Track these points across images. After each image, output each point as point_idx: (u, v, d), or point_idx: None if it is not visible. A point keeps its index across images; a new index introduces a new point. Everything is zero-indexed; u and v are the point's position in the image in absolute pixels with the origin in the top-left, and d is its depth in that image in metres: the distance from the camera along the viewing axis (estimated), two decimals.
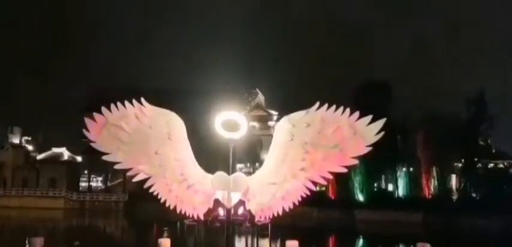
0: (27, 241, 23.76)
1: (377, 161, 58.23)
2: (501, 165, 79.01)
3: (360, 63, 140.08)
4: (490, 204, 60.31)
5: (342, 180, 62.30)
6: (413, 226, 54.35)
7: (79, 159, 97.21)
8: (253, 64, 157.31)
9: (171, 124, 9.88)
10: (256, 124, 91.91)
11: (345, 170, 9.62)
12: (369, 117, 9.20)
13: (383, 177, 75.21)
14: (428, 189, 69.23)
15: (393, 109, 69.34)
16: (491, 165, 77.81)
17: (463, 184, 71.47)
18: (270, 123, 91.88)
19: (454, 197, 69.31)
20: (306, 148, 9.70)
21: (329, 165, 9.72)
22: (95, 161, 76.99)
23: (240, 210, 10.66)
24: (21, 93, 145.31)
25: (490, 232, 52.85)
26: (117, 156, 9.96)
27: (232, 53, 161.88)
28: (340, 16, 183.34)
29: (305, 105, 9.50)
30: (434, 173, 69.30)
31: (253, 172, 16.58)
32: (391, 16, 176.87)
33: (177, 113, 9.92)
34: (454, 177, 73.65)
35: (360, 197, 69.97)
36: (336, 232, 53.87)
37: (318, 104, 9.24)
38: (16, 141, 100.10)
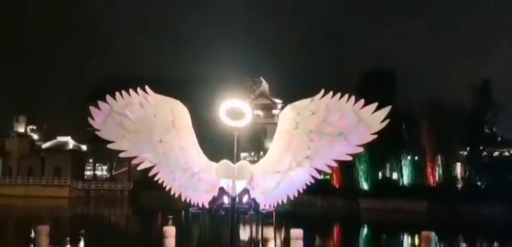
0: (32, 230, 23.92)
1: (381, 149, 58.13)
2: (506, 153, 78.79)
3: (365, 51, 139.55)
4: (495, 192, 60.14)
5: (346, 168, 62.26)
6: (418, 215, 54.34)
7: (84, 147, 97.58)
8: (257, 52, 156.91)
9: (175, 113, 9.88)
10: (260, 112, 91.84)
11: (349, 158, 9.60)
12: (374, 105, 9.16)
13: (387, 165, 75.14)
14: (433, 177, 69.11)
15: (398, 97, 69.22)
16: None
17: (468, 173, 71.25)
18: (274, 112, 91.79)
19: (459, 185, 69.13)
20: (310, 137, 9.68)
21: (334, 153, 9.71)
22: (100, 150, 77.21)
23: (245, 199, 10.70)
24: (26, 82, 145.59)
25: (495, 221, 52.81)
26: (122, 144, 9.99)
27: (236, 41, 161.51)
28: (344, 4, 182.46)
29: (309, 93, 9.47)
30: (439, 161, 69.11)
31: (258, 160, 16.59)
32: (397, 3, 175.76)
33: (181, 100, 9.91)
34: (458, 166, 73.40)
35: (364, 185, 69.94)
36: (340, 221, 53.92)
37: (322, 91, 9.20)
38: (21, 130, 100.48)
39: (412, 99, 73.24)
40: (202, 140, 10.79)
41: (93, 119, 9.83)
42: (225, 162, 10.46)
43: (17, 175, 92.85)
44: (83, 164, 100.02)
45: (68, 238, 33.25)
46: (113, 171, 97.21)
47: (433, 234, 15.72)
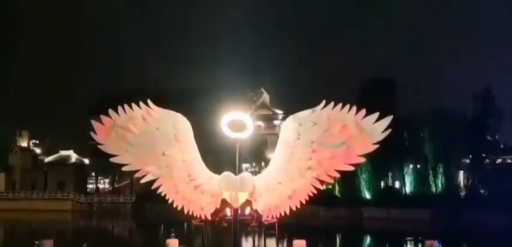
0: (36, 244, 23.88)
1: (384, 158, 58.07)
2: (509, 160, 78.49)
3: (365, 60, 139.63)
4: (498, 200, 59.91)
5: (348, 178, 62.13)
6: (421, 223, 54.14)
7: (86, 161, 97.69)
8: (258, 63, 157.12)
9: (177, 126, 9.90)
10: (261, 123, 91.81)
11: (351, 168, 9.59)
12: (376, 115, 9.15)
13: (390, 174, 74.97)
14: (436, 185, 68.95)
15: (400, 106, 69.29)
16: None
17: (470, 181, 71.10)
18: (276, 122, 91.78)
19: (462, 193, 68.98)
20: (312, 147, 9.66)
21: (336, 164, 9.69)
22: (103, 163, 77.11)
23: (247, 210, 10.69)
24: (29, 96, 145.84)
25: (499, 229, 52.53)
26: (125, 158, 10.00)
27: (237, 52, 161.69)
28: (344, 14, 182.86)
29: (311, 103, 9.47)
30: (442, 169, 68.97)
31: (259, 171, 16.63)
32: (396, 12, 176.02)
33: (183, 114, 9.94)
34: (461, 173, 73.24)
35: (367, 195, 69.79)
36: (343, 231, 53.76)
37: (324, 102, 9.20)
38: (24, 144, 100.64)
39: (413, 107, 73.34)
40: (205, 152, 10.81)
41: (95, 133, 9.86)
42: (227, 174, 10.47)
43: (20, 189, 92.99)
44: (86, 177, 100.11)
45: None
46: (115, 184, 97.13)
47: (436, 243, 15.71)
